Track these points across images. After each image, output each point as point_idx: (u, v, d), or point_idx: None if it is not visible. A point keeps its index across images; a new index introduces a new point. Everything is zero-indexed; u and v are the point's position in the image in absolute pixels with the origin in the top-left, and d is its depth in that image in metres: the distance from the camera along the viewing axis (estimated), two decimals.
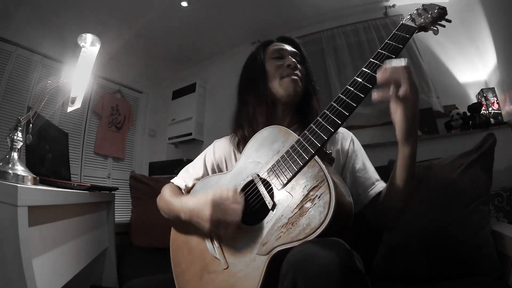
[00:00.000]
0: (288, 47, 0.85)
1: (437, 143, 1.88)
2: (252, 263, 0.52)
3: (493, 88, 1.87)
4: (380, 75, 0.54)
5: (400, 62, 0.53)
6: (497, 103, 1.84)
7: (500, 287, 0.80)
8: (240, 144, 0.82)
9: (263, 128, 0.71)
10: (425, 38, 2.14)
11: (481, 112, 1.84)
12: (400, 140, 0.57)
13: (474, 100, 1.94)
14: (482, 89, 1.88)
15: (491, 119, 1.81)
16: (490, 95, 1.85)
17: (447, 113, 1.96)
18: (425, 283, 0.89)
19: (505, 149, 1.42)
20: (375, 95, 0.55)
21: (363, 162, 0.77)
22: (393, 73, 0.53)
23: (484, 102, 1.86)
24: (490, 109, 1.83)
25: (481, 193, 0.93)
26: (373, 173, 0.75)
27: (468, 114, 1.87)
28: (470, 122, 1.84)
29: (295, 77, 0.79)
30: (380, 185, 0.73)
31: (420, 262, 0.91)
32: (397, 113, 0.55)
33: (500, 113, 1.82)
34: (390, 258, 0.97)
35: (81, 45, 0.93)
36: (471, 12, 1.97)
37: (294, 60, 0.81)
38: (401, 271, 0.94)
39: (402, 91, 0.52)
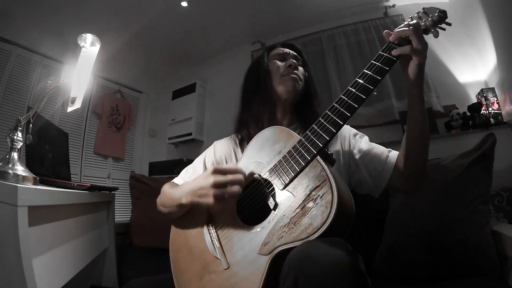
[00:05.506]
0: (290, 51, 0.91)
1: (437, 143, 1.88)
2: (254, 263, 0.51)
3: (493, 88, 1.87)
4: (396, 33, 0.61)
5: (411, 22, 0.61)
6: (497, 103, 1.84)
7: (500, 287, 0.80)
8: (244, 141, 0.85)
9: (267, 126, 0.72)
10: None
11: (481, 112, 1.84)
12: (410, 83, 0.63)
13: (474, 100, 1.94)
14: (482, 89, 1.88)
15: (491, 119, 1.81)
16: (490, 95, 1.85)
17: (447, 113, 1.96)
18: (425, 283, 0.89)
19: (505, 149, 1.42)
20: (395, 51, 0.60)
21: (368, 142, 0.81)
22: (404, 32, 0.59)
23: (484, 102, 1.86)
24: (490, 109, 1.83)
25: (481, 193, 0.93)
26: (381, 148, 0.78)
27: (468, 114, 1.87)
28: (470, 122, 1.84)
29: (295, 76, 0.84)
30: (394, 152, 0.75)
31: (420, 262, 0.91)
32: (410, 63, 0.61)
33: (500, 113, 1.82)
34: (390, 258, 0.97)
35: (81, 45, 0.93)
36: (471, 12, 1.97)
37: (295, 61, 0.86)
38: (401, 271, 0.94)
39: (414, 44, 0.58)
